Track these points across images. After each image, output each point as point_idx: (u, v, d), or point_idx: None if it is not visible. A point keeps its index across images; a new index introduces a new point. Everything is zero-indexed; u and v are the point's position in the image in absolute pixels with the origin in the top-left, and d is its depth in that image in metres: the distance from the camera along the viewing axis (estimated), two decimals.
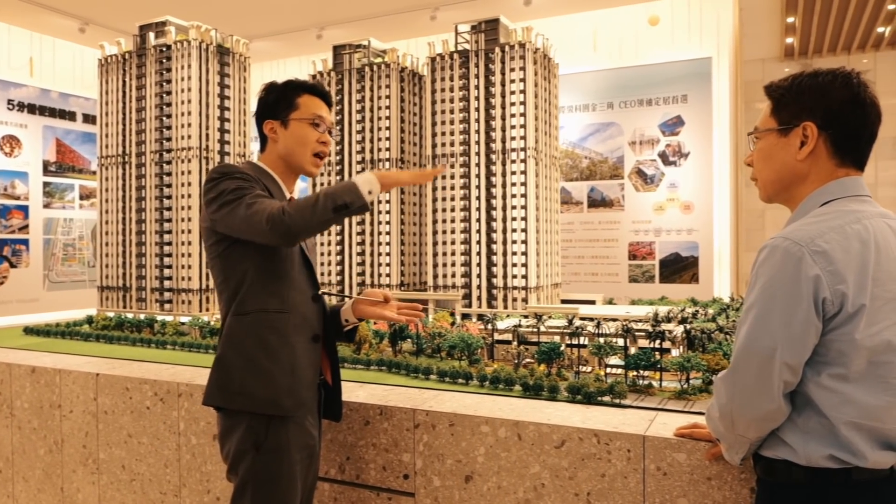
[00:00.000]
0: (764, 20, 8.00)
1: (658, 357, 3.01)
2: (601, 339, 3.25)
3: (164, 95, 4.79)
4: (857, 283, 1.49)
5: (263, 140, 2.40)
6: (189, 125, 4.68)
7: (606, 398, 2.76)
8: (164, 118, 4.78)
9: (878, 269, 1.51)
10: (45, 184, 8.48)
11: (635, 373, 3.00)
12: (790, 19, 7.79)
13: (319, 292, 2.44)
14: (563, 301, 5.00)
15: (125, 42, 4.99)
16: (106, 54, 5.08)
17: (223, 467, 3.13)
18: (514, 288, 4.48)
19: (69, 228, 8.69)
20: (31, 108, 8.30)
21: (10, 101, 8.07)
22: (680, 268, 7.64)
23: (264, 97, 2.38)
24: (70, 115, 8.59)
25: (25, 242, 8.25)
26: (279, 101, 2.33)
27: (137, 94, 4.90)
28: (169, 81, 4.75)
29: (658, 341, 3.13)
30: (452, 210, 4.66)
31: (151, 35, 4.84)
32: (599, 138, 7.97)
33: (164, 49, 4.76)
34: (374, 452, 2.79)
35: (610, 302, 5.24)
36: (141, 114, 4.90)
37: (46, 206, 8.49)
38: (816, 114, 1.62)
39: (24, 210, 8.25)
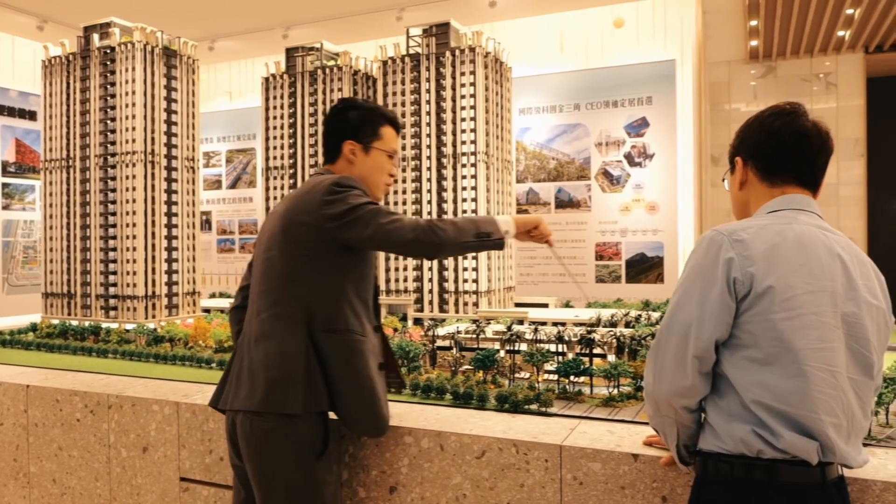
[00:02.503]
0: (727, 23, 8.04)
1: (588, 364, 3.01)
2: (536, 346, 3.24)
3: (109, 98, 4.71)
4: (767, 267, 1.60)
5: (334, 155, 2.43)
6: (133, 129, 4.60)
7: (534, 406, 2.74)
8: (109, 121, 4.69)
9: (798, 262, 1.62)
10: (4, 185, 8.33)
11: (566, 380, 2.99)
12: (753, 22, 7.84)
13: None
14: (517, 304, 4.98)
15: (69, 43, 4.90)
16: (50, 55, 4.98)
17: (153, 480, 3.09)
18: (466, 292, 4.46)
19: (30, 230, 8.55)
20: None
21: None
22: (646, 268, 7.68)
23: (345, 115, 2.41)
24: (30, 115, 8.44)
25: None
26: (363, 125, 2.39)
27: (81, 96, 4.81)
28: (113, 84, 4.67)
29: (588, 347, 3.13)
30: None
31: (96, 36, 4.75)
32: (566, 139, 7.98)
33: (109, 51, 4.68)
34: None
35: (567, 305, 5.23)
36: (85, 117, 4.80)
37: (6, 207, 8.35)
38: (741, 149, 1.88)
39: None
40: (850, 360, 1.63)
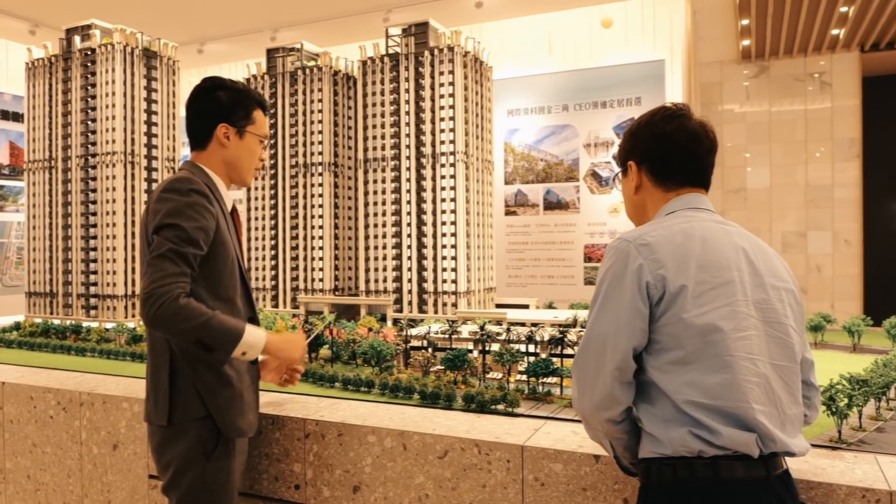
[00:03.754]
0: (718, 22, 8.03)
1: (558, 364, 3.00)
2: (507, 346, 3.24)
3: (90, 99, 4.72)
4: (678, 267, 1.62)
5: (204, 139, 2.31)
6: (113, 129, 4.61)
7: (500, 406, 2.74)
8: (90, 122, 4.71)
9: (705, 257, 1.64)
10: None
11: (535, 380, 2.99)
12: (744, 21, 7.82)
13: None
14: (498, 305, 4.98)
15: (52, 45, 4.92)
16: (33, 58, 5.00)
17: (123, 477, 3.10)
18: (445, 293, 4.46)
19: (23, 232, 8.58)
20: None
21: None
22: None
23: (214, 94, 2.30)
24: (23, 118, 8.47)
25: None
26: (237, 107, 2.32)
27: (63, 97, 4.83)
28: (94, 85, 4.69)
29: (559, 347, 3.12)
30: (384, 214, 4.64)
31: (77, 38, 4.77)
32: (555, 140, 7.98)
33: (89, 52, 4.69)
34: (267, 462, 2.77)
35: (549, 306, 5.23)
36: (67, 118, 4.82)
37: (0, 209, 8.38)
38: (634, 154, 1.90)
39: None
40: (771, 345, 1.65)
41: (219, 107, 2.30)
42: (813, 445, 2.22)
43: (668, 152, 1.82)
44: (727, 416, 1.56)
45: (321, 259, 4.92)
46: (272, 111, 5.05)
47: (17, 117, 8.51)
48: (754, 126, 8.43)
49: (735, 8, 7.56)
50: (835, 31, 8.15)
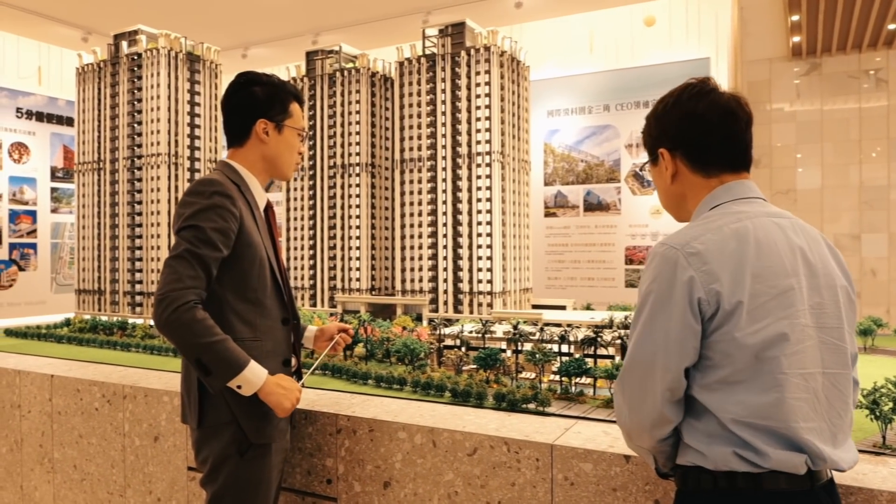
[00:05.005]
0: (766, 19, 7.79)
1: (591, 364, 2.95)
2: (540, 346, 3.19)
3: (136, 103, 4.88)
4: (733, 280, 1.48)
5: (243, 136, 2.31)
6: (158, 132, 4.76)
7: (531, 405, 2.71)
8: (136, 125, 4.87)
9: (760, 264, 1.50)
10: (53, 189, 8.76)
11: (568, 380, 2.94)
12: (795, 17, 7.57)
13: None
14: (534, 306, 4.92)
15: (101, 51, 5.13)
16: (83, 63, 5.22)
17: (163, 469, 3.18)
18: (480, 293, 4.44)
19: (75, 233, 8.96)
20: (39, 116, 8.58)
21: (18, 110, 8.37)
22: None
23: (250, 90, 2.29)
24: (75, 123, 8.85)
25: (33, 246, 8.52)
26: (273, 102, 2.29)
27: (111, 101, 5.01)
28: (140, 89, 4.85)
29: (593, 348, 3.06)
30: (420, 215, 4.65)
31: (124, 43, 4.95)
32: (596, 141, 7.86)
33: (136, 57, 4.86)
34: (300, 457, 2.80)
35: (587, 307, 5.15)
36: (114, 121, 5.00)
37: (54, 210, 8.76)
38: (664, 139, 1.73)
39: (33, 215, 8.53)
40: (824, 353, 1.53)
41: (256, 102, 2.28)
42: None
43: (704, 134, 1.65)
44: (776, 436, 1.47)
45: (358, 259, 4.96)
46: (311, 113, 5.13)
47: (70, 122, 8.89)
48: (805, 125, 8.14)
49: (785, 3, 7.32)
50: (892, 26, 7.80)
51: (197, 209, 2.10)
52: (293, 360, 2.41)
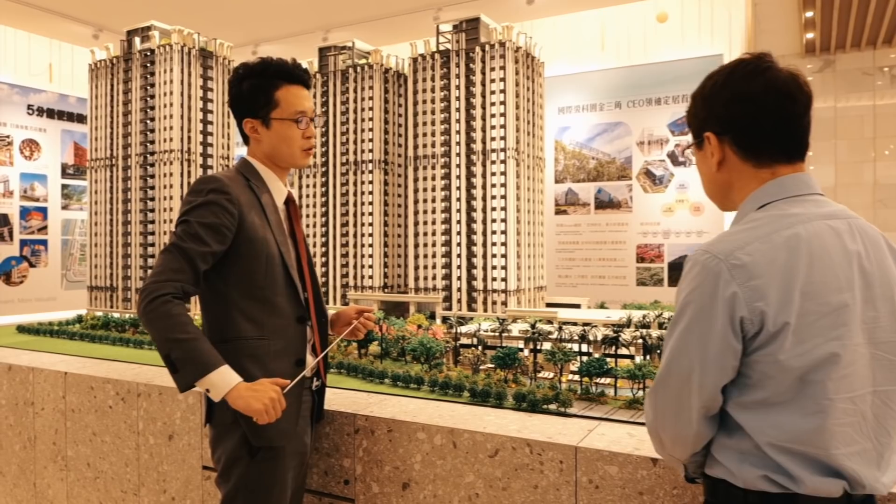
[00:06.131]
0: (780, 15, 7.71)
1: (612, 364, 2.90)
2: (559, 345, 3.15)
3: (149, 99, 4.86)
4: (780, 299, 1.35)
5: (245, 136, 2.27)
6: (171, 128, 4.74)
7: (552, 406, 2.66)
8: (148, 121, 4.85)
9: (810, 280, 1.37)
10: (63, 186, 8.76)
11: (589, 380, 2.90)
12: (809, 13, 7.49)
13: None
14: (549, 304, 4.88)
15: (113, 47, 5.11)
16: (96, 59, 5.19)
17: (178, 467, 3.16)
18: (494, 291, 4.40)
19: (86, 229, 8.96)
20: (50, 113, 8.58)
21: (30, 107, 8.37)
22: None
23: (238, 88, 2.21)
24: (87, 119, 8.85)
25: (44, 243, 8.53)
26: (256, 95, 2.17)
27: (124, 97, 4.99)
28: (153, 85, 4.83)
29: (613, 347, 3.02)
30: (433, 212, 4.61)
31: (137, 40, 4.93)
32: (607, 138, 7.80)
33: (149, 53, 4.84)
34: (317, 457, 2.76)
35: (601, 306, 5.10)
36: (127, 117, 4.98)
37: (64, 207, 8.77)
38: (711, 122, 1.56)
39: (43, 212, 8.54)
40: (875, 370, 1.42)
41: (241, 101, 2.22)
42: None
43: (757, 118, 1.48)
44: (814, 462, 1.38)
45: (371, 256, 4.92)
46: (324, 109, 5.09)
47: (81, 119, 8.89)
48: (818, 122, 8.06)
49: (799, 0, 7.25)
50: None
51: (191, 206, 2.08)
52: (311, 360, 2.35)
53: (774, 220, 1.44)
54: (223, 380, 1.96)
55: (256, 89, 2.18)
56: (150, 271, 2.03)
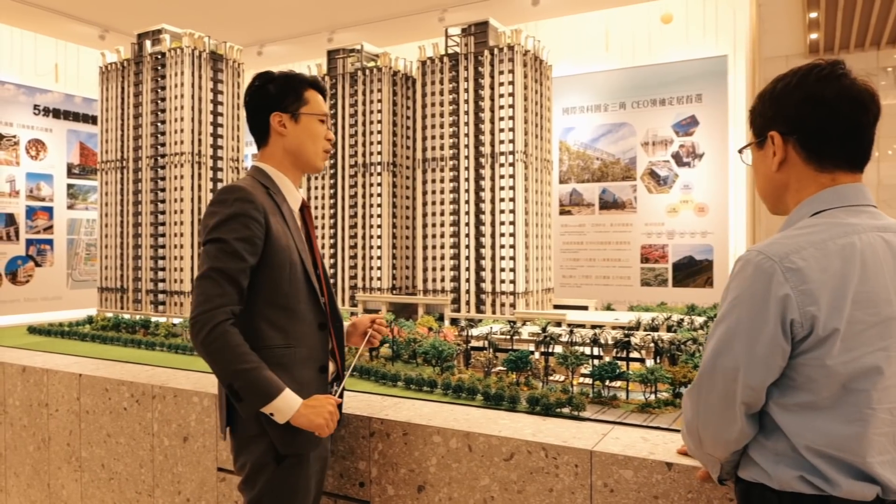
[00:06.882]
0: (784, 16, 7.73)
1: (624, 368, 2.93)
2: (571, 348, 3.18)
3: (160, 102, 4.89)
4: (832, 304, 1.38)
5: (265, 133, 2.29)
6: (182, 130, 4.76)
7: (566, 410, 2.69)
8: (159, 124, 4.88)
9: (862, 290, 1.40)
10: (69, 186, 8.79)
11: (601, 384, 2.93)
12: (813, 14, 7.51)
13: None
14: (556, 306, 4.91)
15: (124, 50, 5.13)
16: (106, 62, 5.22)
17: (193, 469, 3.19)
18: (503, 293, 4.43)
19: (92, 229, 8.99)
20: (56, 113, 8.60)
21: (36, 107, 8.39)
22: (694, 271, 7.45)
23: (264, 88, 2.27)
24: (93, 119, 8.86)
25: (50, 242, 8.56)
26: (286, 93, 2.26)
27: (135, 100, 5.02)
28: (164, 88, 4.85)
29: (625, 351, 3.05)
30: (442, 214, 4.64)
31: (148, 43, 4.95)
32: (611, 139, 7.82)
33: (160, 56, 4.86)
34: (333, 459, 2.79)
35: (608, 308, 5.13)
36: (138, 120, 5.01)
37: (70, 207, 8.80)
38: (778, 121, 1.57)
39: (49, 211, 8.56)
40: None
41: (269, 98, 2.26)
42: None
43: (827, 123, 1.50)
44: (849, 468, 1.41)
45: (379, 258, 4.96)
46: (332, 112, 5.12)
47: (87, 119, 8.91)
48: None
49: (803, 1, 7.26)
50: None
51: (219, 220, 2.07)
52: (332, 366, 2.39)
53: (830, 227, 1.46)
54: (286, 404, 2.04)
55: (286, 86, 2.28)
56: (193, 299, 2.03)
